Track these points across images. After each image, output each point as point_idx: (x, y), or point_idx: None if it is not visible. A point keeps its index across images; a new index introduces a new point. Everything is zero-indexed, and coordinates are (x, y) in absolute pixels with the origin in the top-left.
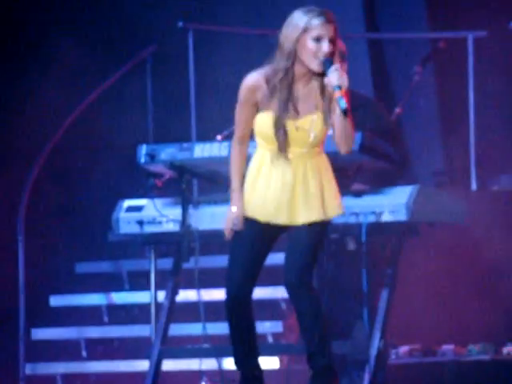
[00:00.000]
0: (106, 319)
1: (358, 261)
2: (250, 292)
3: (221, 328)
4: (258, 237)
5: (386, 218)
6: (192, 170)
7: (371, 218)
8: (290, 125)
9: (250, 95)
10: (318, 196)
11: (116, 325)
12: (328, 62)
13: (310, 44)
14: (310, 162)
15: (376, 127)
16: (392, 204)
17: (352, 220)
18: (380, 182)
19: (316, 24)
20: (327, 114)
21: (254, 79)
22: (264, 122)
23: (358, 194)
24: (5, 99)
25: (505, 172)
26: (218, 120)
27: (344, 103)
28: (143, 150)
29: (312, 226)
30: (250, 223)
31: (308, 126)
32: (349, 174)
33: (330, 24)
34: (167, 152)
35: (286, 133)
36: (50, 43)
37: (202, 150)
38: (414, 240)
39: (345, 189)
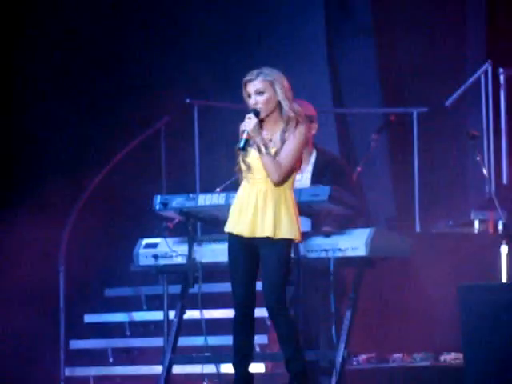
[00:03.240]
0: (128, 333)
1: (327, 287)
2: (253, 302)
3: (219, 340)
4: (242, 252)
5: (350, 253)
6: (196, 215)
7: (338, 254)
8: (250, 155)
9: None
10: (271, 217)
11: (136, 337)
12: (251, 111)
13: (248, 100)
14: (270, 190)
15: (340, 178)
16: (354, 242)
17: (323, 255)
18: (345, 225)
19: (244, 85)
20: (279, 151)
21: None
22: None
23: (327, 235)
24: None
25: (442, 218)
26: (218, 176)
27: (241, 143)
28: (158, 199)
29: (272, 251)
30: (233, 247)
31: (258, 157)
32: (320, 219)
33: (252, 81)
34: (177, 201)
35: (245, 163)
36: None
37: (205, 200)
38: (370, 270)
39: (317, 230)
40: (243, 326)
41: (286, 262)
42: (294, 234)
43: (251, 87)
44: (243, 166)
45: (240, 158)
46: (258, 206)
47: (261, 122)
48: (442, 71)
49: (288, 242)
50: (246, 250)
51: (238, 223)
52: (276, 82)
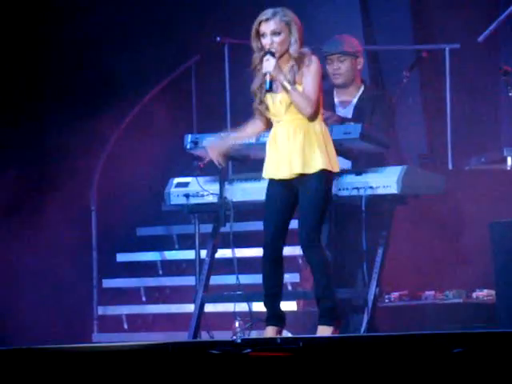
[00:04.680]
0: (160, 272)
1: (360, 224)
2: (281, 243)
3: (250, 279)
4: (279, 199)
5: (381, 191)
6: (227, 153)
7: (369, 192)
8: (269, 99)
9: None
10: (300, 155)
11: (168, 276)
12: (266, 53)
13: (261, 39)
14: (298, 127)
15: (385, 111)
16: (386, 180)
17: (354, 193)
18: (376, 163)
19: (258, 24)
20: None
21: None
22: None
23: (358, 173)
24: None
25: (474, 155)
26: (248, 114)
27: (268, 84)
28: (189, 138)
29: (309, 188)
30: (271, 189)
31: (278, 100)
32: (352, 156)
33: (268, 21)
34: (208, 140)
35: (265, 105)
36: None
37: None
38: (402, 208)
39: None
40: (272, 265)
41: (323, 197)
42: (325, 164)
43: (267, 27)
44: (267, 111)
45: (262, 103)
46: (289, 146)
47: None
48: (474, 6)
49: (325, 175)
50: (285, 191)
51: (273, 168)
52: (292, 23)
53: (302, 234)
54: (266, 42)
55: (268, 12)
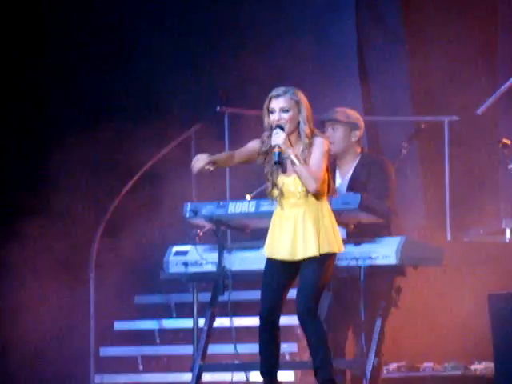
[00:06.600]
0: (158, 340)
1: (358, 295)
2: (277, 315)
3: (248, 348)
4: (277, 273)
5: (380, 261)
6: (226, 222)
7: (368, 262)
8: (280, 181)
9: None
10: (311, 237)
11: (166, 345)
12: (276, 127)
13: (270, 116)
14: (306, 210)
15: (382, 177)
16: (385, 250)
17: (353, 263)
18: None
19: (269, 100)
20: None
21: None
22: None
23: (357, 243)
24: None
25: (473, 226)
26: (248, 184)
27: (276, 157)
28: (188, 206)
29: (313, 263)
30: (270, 263)
31: (291, 182)
32: (350, 227)
33: (278, 98)
34: (207, 208)
35: (277, 188)
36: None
37: (235, 207)
38: (400, 279)
39: (346, 239)
40: (268, 336)
41: (326, 276)
42: (335, 247)
43: (277, 103)
44: (275, 192)
45: (271, 184)
46: (298, 229)
47: None
48: (473, 79)
49: (330, 256)
50: (285, 267)
51: (279, 249)
52: (302, 102)
53: (300, 306)
54: (274, 117)
55: (279, 89)
